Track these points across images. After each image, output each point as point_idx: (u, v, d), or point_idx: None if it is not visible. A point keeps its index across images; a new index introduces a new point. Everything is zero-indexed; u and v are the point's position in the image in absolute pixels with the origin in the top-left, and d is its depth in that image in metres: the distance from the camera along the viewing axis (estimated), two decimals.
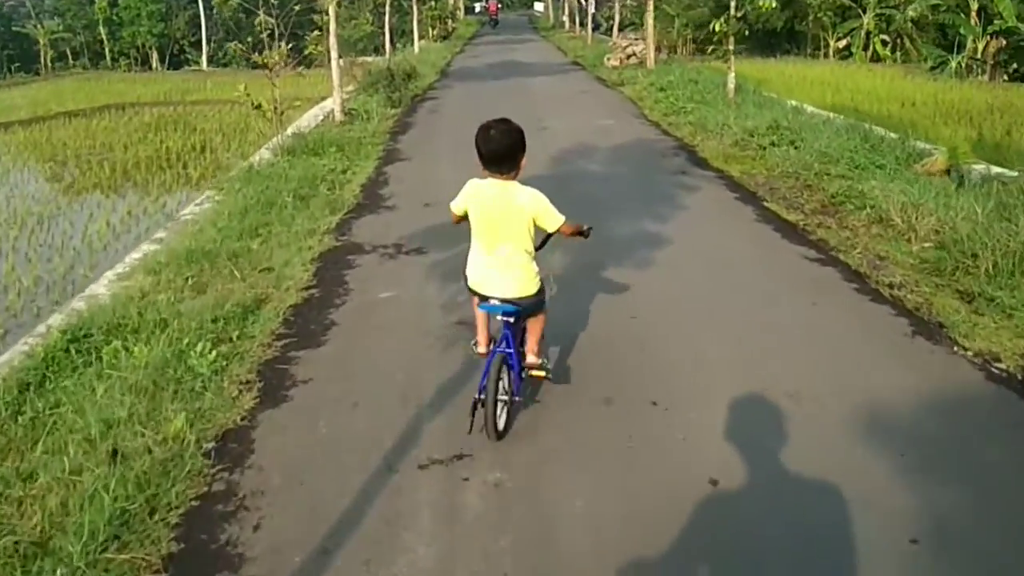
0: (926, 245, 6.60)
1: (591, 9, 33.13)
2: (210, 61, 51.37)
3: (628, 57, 20.25)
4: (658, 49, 20.12)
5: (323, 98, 17.53)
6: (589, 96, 16.05)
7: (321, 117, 13.99)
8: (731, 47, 13.07)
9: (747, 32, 13.83)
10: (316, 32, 11.85)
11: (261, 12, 10.82)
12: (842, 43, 36.84)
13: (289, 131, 11.78)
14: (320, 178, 9.06)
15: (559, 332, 4.77)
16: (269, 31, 10.73)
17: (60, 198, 11.66)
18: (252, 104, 10.39)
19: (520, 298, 3.67)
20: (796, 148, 9.60)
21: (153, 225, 9.67)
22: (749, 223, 7.24)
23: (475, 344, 4.09)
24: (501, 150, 3.52)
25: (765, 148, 9.87)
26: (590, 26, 31.37)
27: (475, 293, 3.78)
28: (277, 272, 6.12)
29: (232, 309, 5.26)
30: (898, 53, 35.50)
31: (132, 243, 8.90)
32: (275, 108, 10.57)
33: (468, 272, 3.80)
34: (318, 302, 5.60)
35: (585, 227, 3.85)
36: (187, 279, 5.86)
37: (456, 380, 4.41)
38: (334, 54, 13.10)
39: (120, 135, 17.59)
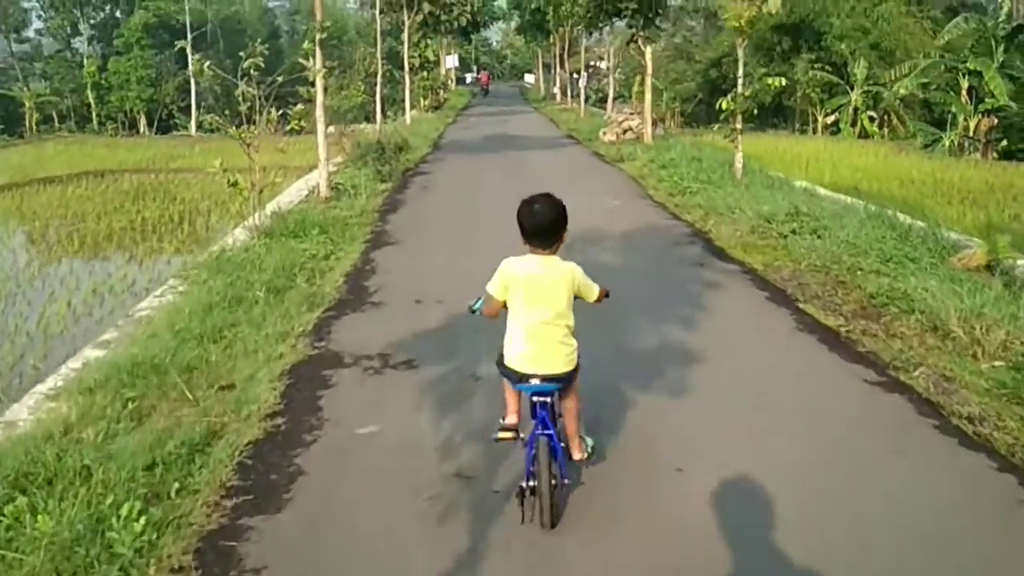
0: (997, 364, 5.66)
1: (583, 83, 33.01)
2: (199, 127, 51.02)
3: (624, 132, 19.69)
4: (654, 124, 19.59)
5: (311, 167, 16.73)
6: (589, 173, 15.32)
7: (305, 192, 13.12)
8: (739, 125, 12.42)
9: (755, 111, 13.16)
10: (300, 106, 11.10)
11: (242, 84, 9.99)
12: (830, 119, 36.90)
13: (269, 209, 10.87)
14: (299, 266, 8.06)
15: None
16: (249, 103, 9.91)
17: (22, 274, 10.64)
18: (228, 182, 9.48)
19: (563, 374, 3.56)
20: (819, 238, 8.74)
21: (118, 306, 8.68)
22: (788, 332, 6.26)
23: (500, 425, 3.82)
24: (545, 224, 3.51)
25: (786, 236, 9.01)
26: (583, 98, 31.12)
27: (511, 373, 3.62)
28: (238, 391, 5.05)
29: (175, 450, 4.18)
30: (885, 129, 35.57)
31: (93, 327, 7.91)
32: (252, 185, 9.67)
33: (506, 352, 3.64)
34: (283, 438, 4.51)
35: (606, 289, 3.82)
36: (127, 402, 4.77)
37: (460, 565, 3.36)
38: (320, 127, 12.30)
39: (95, 204, 16.66)
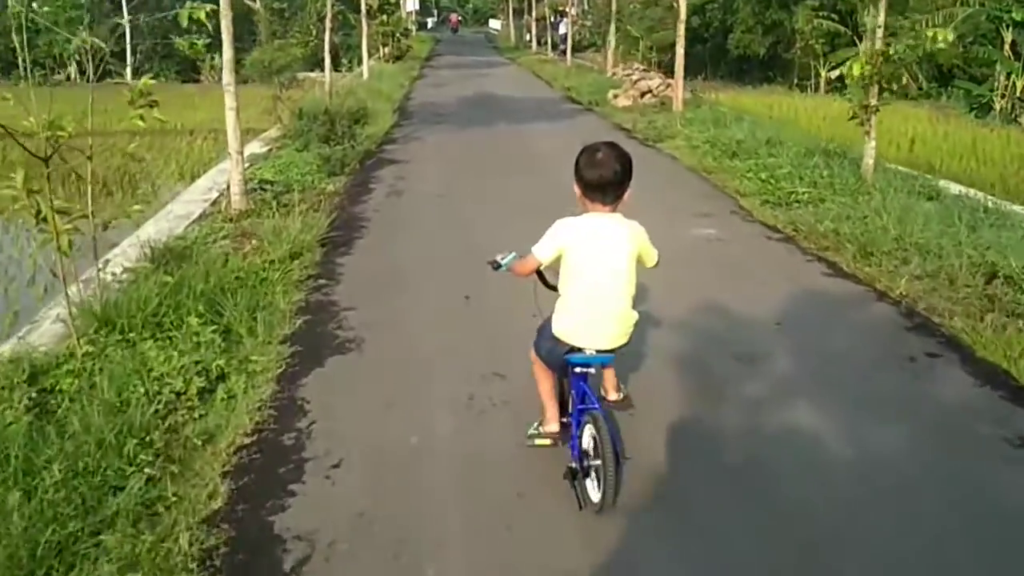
0: None
1: (565, 29, 28.05)
2: (136, 73, 45.35)
3: (642, 95, 15.05)
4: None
5: (259, 132, 11.89)
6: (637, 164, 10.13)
7: (208, 203, 8.32)
8: (875, 102, 8.03)
9: (903, 79, 8.77)
10: (199, 41, 6.46)
11: None
12: (834, 74, 32.50)
13: (131, 245, 6.19)
14: (127, 457, 3.43)
15: None
16: None
17: None
18: (34, 213, 4.72)
19: (619, 347, 3.14)
20: None
21: None
22: None
23: (538, 429, 3.35)
24: (609, 175, 2.97)
25: None
26: (569, 48, 26.15)
27: (559, 346, 3.09)
28: None
29: None
30: (895, 86, 31.40)
31: None
32: (86, 220, 4.92)
33: (556, 322, 3.10)
34: None
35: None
36: None
37: None
38: (230, 100, 7.49)
39: None
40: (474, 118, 14.30)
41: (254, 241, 6.59)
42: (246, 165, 10.08)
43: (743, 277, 5.80)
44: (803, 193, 7.92)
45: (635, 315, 3.12)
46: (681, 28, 13.76)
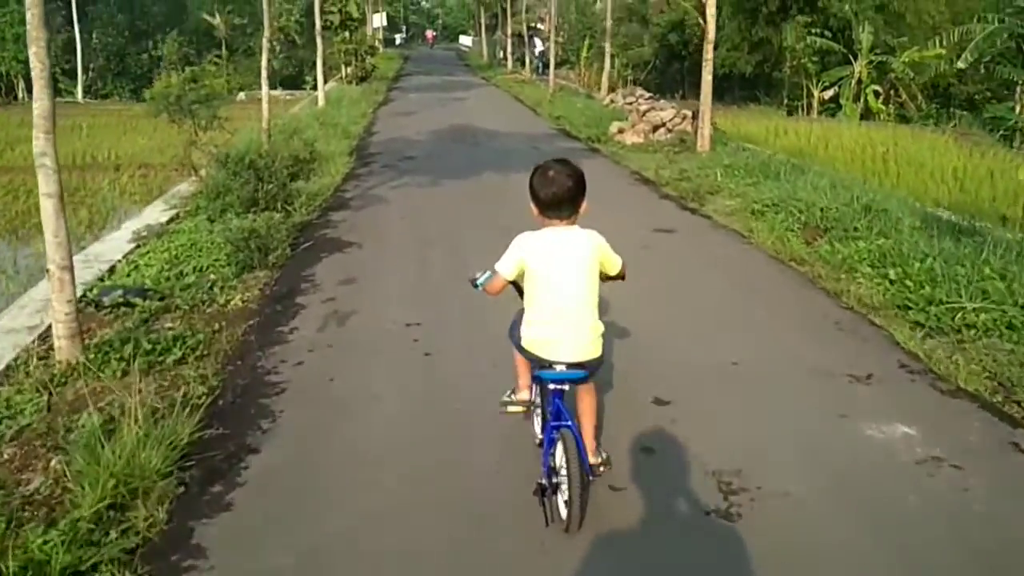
0: None
1: (543, 47, 25.12)
2: (87, 92, 41.69)
3: (654, 129, 12.04)
4: (693, 115, 11.99)
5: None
6: (688, 258, 6.59)
7: (35, 335, 5.00)
8: None
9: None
10: None
11: None
12: (828, 94, 29.92)
13: None
14: None
15: None
16: None
17: None
18: None
19: (589, 361, 2.98)
20: None
21: None
22: None
23: (511, 398, 3.42)
24: (562, 193, 2.91)
25: None
26: (552, 70, 23.14)
27: (532, 358, 3.01)
28: None
29: None
30: (891, 107, 28.93)
31: None
32: None
33: (524, 335, 3.03)
34: None
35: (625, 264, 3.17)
36: None
37: None
38: (44, 181, 4.30)
39: None
40: (452, 163, 10.90)
41: (53, 463, 3.39)
42: (131, 247, 6.87)
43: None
44: (973, 312, 4.92)
45: (601, 326, 3.02)
46: (709, 50, 10.74)
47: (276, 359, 4.49)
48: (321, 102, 16.45)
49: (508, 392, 3.44)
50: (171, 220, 7.84)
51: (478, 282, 3.10)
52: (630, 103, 13.66)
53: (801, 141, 17.23)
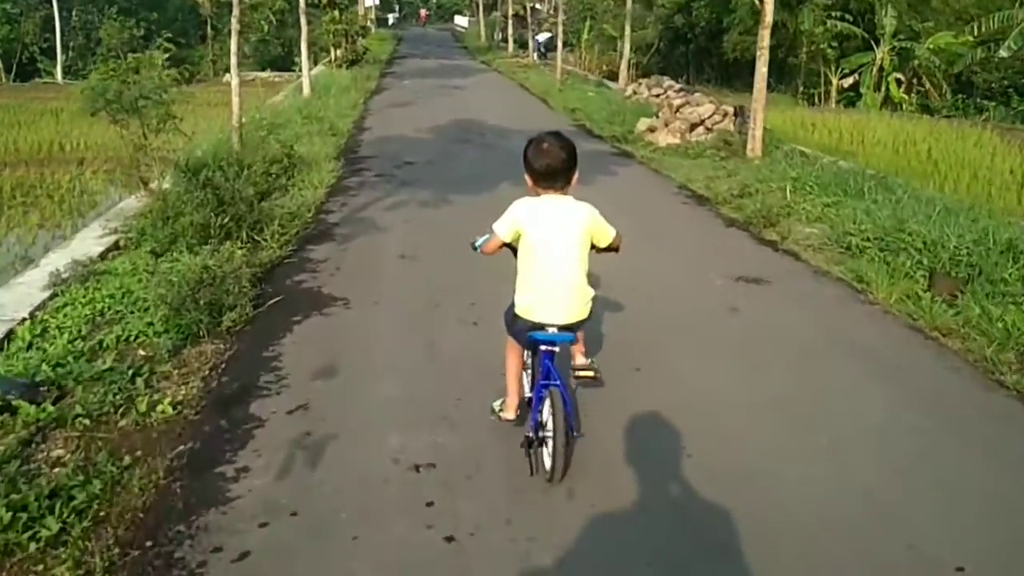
0: None
1: (554, 36, 23.35)
2: (66, 72, 39.55)
3: (691, 128, 10.28)
4: (736, 112, 10.21)
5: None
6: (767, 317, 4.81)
7: None
8: None
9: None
10: None
11: None
12: (847, 81, 28.10)
13: None
14: None
15: None
16: None
17: None
18: None
19: (579, 322, 3.18)
20: None
21: None
22: None
23: (501, 408, 3.41)
24: (556, 164, 3.05)
25: None
26: (559, 57, 21.23)
27: (523, 323, 3.13)
28: None
29: None
30: (914, 95, 27.17)
31: None
32: None
33: (518, 300, 3.16)
34: None
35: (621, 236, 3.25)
36: None
37: None
38: None
39: None
40: (460, 171, 9.07)
41: None
42: (44, 296, 5.12)
43: None
44: None
45: (591, 291, 3.17)
46: (765, 36, 9.01)
47: (208, 539, 2.77)
48: (306, 91, 14.56)
49: (500, 402, 3.44)
50: (106, 252, 6.08)
51: (476, 244, 3.28)
52: (657, 95, 11.88)
53: (833, 137, 15.51)
